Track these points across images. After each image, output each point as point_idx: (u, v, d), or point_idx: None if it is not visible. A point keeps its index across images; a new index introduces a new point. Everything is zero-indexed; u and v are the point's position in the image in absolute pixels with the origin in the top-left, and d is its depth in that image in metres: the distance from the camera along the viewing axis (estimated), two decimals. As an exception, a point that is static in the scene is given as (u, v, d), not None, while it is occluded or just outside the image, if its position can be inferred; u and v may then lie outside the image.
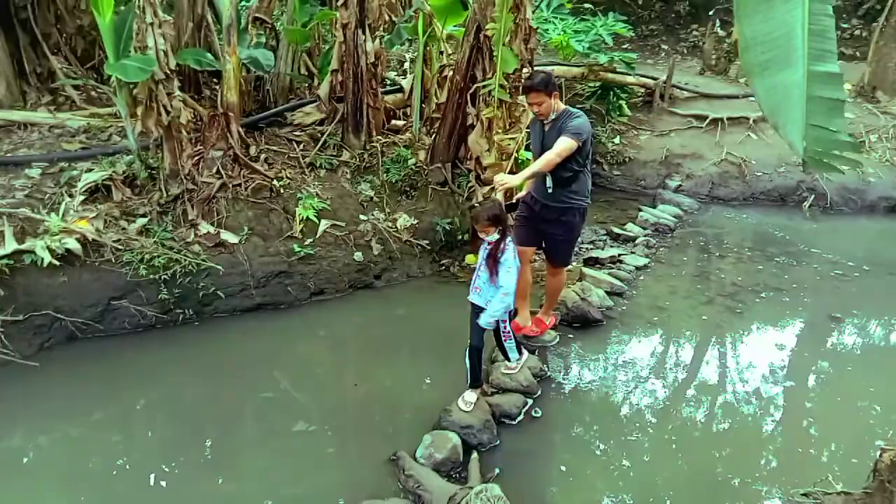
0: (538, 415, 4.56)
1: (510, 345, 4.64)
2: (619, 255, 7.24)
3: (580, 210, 4.88)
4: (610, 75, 9.84)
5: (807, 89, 1.89)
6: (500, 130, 6.51)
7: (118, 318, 5.29)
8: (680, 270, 7.10)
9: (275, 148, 6.72)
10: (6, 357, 4.70)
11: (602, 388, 4.98)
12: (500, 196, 4.40)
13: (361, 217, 6.46)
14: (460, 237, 6.63)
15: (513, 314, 4.69)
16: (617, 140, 10.34)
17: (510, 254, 4.14)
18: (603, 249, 7.46)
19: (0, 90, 6.65)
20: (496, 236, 4.11)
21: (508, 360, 4.73)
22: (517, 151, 6.36)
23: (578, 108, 4.78)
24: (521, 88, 5.28)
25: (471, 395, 4.39)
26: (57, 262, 4.97)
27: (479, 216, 4.16)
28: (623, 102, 10.34)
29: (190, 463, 4.13)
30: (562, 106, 4.70)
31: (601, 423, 4.58)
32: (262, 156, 6.40)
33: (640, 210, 8.67)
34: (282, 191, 6.15)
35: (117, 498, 3.81)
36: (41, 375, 4.75)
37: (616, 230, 8.02)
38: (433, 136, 7.09)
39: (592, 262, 7.06)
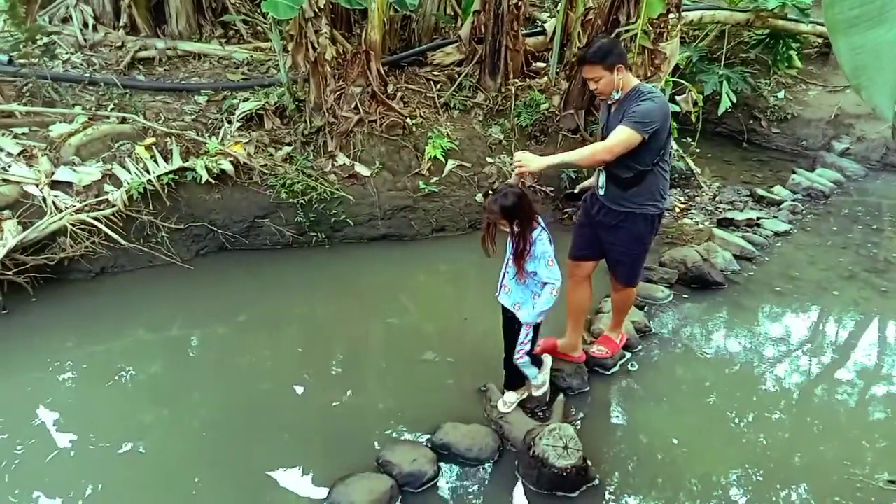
0: (634, 369, 4.55)
1: (524, 362, 3.79)
2: (758, 218, 6.82)
3: (647, 217, 3.85)
4: (780, 22, 8.95)
5: (905, 49, 1.72)
6: (640, 79, 6.27)
7: (261, 234, 5.91)
8: (825, 240, 6.56)
9: (413, 87, 6.98)
10: (169, 259, 5.47)
11: (705, 353, 4.83)
12: (512, 178, 3.52)
13: (488, 159, 6.60)
14: (585, 187, 6.56)
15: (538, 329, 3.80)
16: (781, 95, 9.52)
17: (543, 245, 3.44)
18: (741, 211, 7.05)
19: (181, 23, 7.46)
20: (517, 229, 3.41)
21: (525, 377, 3.93)
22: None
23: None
24: (576, 59, 4.24)
25: (510, 396, 4.02)
26: (213, 181, 5.62)
27: (491, 207, 3.38)
28: (794, 53, 9.39)
29: (321, 373, 4.52)
30: (632, 82, 3.67)
31: (696, 386, 4.47)
32: (399, 94, 6.68)
33: (793, 172, 8.03)
34: (414, 129, 6.42)
35: (259, 394, 4.25)
36: (195, 277, 5.46)
37: (761, 192, 7.52)
38: (569, 81, 6.98)
39: (727, 224, 6.72)
